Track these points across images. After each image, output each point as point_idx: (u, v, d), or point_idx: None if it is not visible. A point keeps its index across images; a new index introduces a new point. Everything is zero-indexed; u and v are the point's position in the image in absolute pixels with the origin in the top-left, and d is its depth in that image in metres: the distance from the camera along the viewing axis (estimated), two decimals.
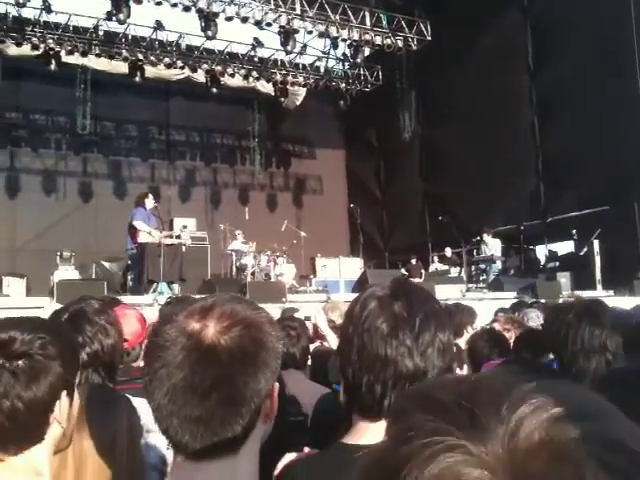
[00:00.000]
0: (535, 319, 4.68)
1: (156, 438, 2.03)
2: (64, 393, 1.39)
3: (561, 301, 7.31)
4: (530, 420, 0.46)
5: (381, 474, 0.47)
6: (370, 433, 1.27)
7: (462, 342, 3.90)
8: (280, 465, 1.44)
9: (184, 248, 10.90)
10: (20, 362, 1.31)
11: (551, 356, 3.08)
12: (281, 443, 1.46)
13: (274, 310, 5.71)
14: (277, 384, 1.10)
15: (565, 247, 14.18)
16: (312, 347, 4.29)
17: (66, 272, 12.43)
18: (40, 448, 1.37)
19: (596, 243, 12.52)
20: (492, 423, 0.46)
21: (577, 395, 0.51)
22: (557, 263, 13.57)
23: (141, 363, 2.59)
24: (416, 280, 13.50)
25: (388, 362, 1.25)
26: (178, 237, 11.19)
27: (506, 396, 0.48)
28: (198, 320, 1.03)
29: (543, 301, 7.42)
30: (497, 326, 4.21)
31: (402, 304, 1.29)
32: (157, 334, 1.05)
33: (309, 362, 3.99)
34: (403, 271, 14.60)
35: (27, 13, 15.44)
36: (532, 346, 3.19)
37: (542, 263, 14.25)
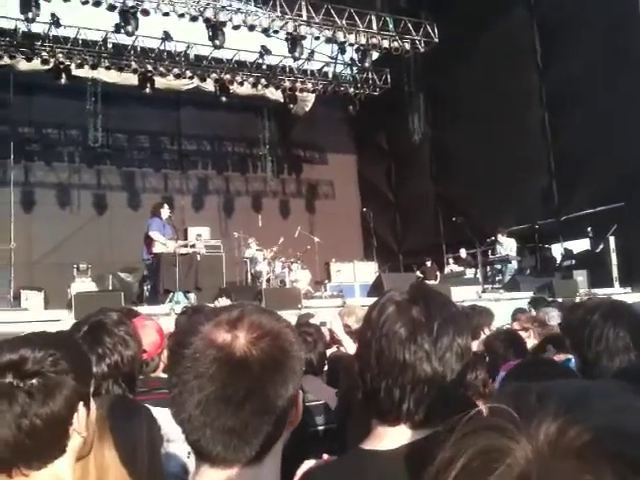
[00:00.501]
0: (556, 318, 4.64)
1: (176, 447, 2.05)
2: (80, 404, 1.40)
3: (579, 300, 7.27)
4: (577, 426, 0.50)
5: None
6: (389, 438, 1.27)
7: (478, 344, 3.88)
8: (299, 472, 1.44)
9: (199, 257, 10.96)
10: (34, 381, 1.31)
11: (569, 356, 3.07)
12: (300, 452, 1.47)
13: (291, 317, 5.72)
14: (301, 391, 1.12)
15: (581, 245, 14.08)
16: (328, 352, 4.31)
17: (83, 284, 12.50)
18: (62, 460, 1.38)
19: (612, 240, 12.43)
20: (548, 418, 0.52)
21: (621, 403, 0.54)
22: (573, 261, 13.48)
23: (160, 374, 2.62)
24: (431, 282, 13.47)
25: (406, 367, 1.25)
26: (193, 246, 11.25)
27: (571, 402, 0.53)
28: (228, 331, 1.04)
29: (560, 300, 7.37)
30: (516, 325, 4.17)
31: (420, 309, 1.29)
32: (184, 345, 1.05)
33: (325, 367, 4.00)
34: (418, 274, 14.57)
35: (36, 28, 15.58)
36: (555, 347, 3.18)
37: (558, 262, 14.16)
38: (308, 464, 1.45)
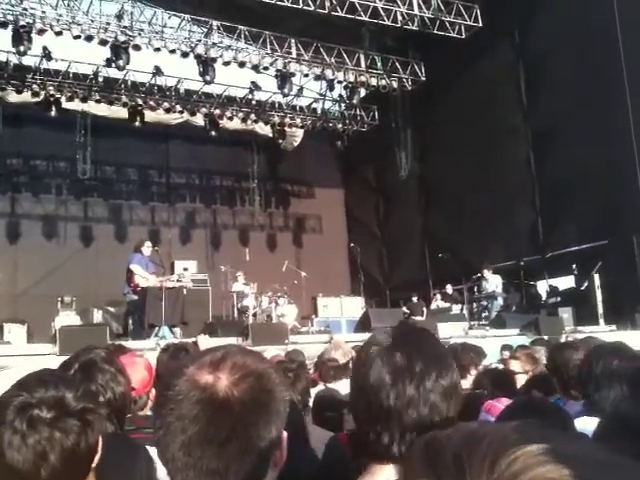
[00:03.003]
0: (543, 357, 4.59)
1: None
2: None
3: (564, 338, 7.30)
4: None
5: None
6: (384, 473, 1.28)
7: (467, 383, 3.86)
8: None
9: (185, 291, 10.91)
10: (75, 420, 1.36)
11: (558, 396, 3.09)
12: None
13: (278, 352, 5.68)
14: (285, 432, 1.11)
15: (566, 282, 14.18)
16: (316, 390, 4.28)
17: (67, 317, 12.39)
18: None
19: (596, 277, 12.52)
20: None
21: (569, 459, 0.50)
22: (558, 298, 13.55)
23: (147, 412, 2.60)
24: (418, 318, 13.47)
25: (392, 413, 1.26)
26: (179, 280, 11.20)
27: (497, 458, 0.50)
28: (210, 372, 1.05)
29: (546, 338, 7.39)
30: (516, 366, 4.07)
31: (402, 353, 1.30)
32: (167, 387, 1.06)
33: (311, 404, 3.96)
34: (405, 309, 14.57)
35: (28, 61, 15.69)
36: (543, 387, 3.19)
37: (543, 298, 14.23)
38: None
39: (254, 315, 13.17)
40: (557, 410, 2.27)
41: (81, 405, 1.38)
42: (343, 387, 4.12)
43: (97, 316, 13.42)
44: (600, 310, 12.32)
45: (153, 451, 1.86)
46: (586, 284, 12.86)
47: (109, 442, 1.65)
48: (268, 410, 1.05)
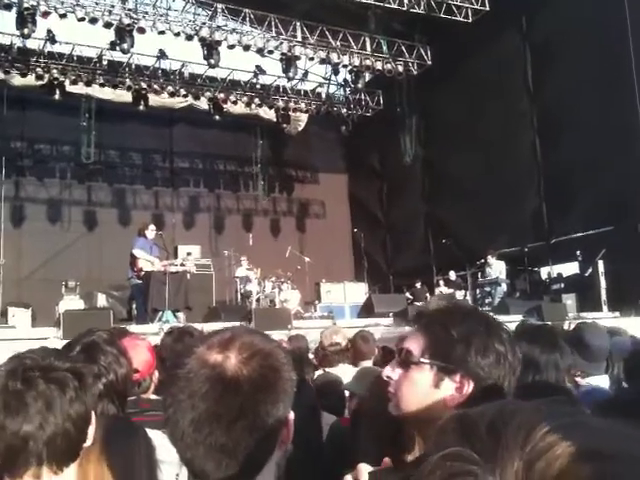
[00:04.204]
0: None
1: (165, 469, 2.03)
2: (93, 412, 1.45)
3: (567, 325, 7.29)
4: (546, 456, 0.48)
5: None
6: None
7: None
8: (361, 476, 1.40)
9: (189, 276, 10.93)
10: (68, 374, 1.41)
11: None
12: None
13: (281, 337, 5.69)
14: (292, 412, 1.13)
15: (570, 268, 14.14)
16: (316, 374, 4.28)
17: (71, 302, 12.43)
18: (72, 467, 1.41)
19: (601, 264, 12.49)
20: (512, 455, 0.49)
21: (603, 432, 0.52)
22: (562, 285, 13.54)
23: (151, 395, 2.59)
24: (421, 304, 13.46)
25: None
26: (183, 265, 11.21)
27: (531, 429, 0.51)
28: (219, 352, 1.07)
29: (549, 324, 7.37)
30: None
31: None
32: (178, 366, 1.08)
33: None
34: (408, 295, 14.57)
35: (32, 44, 15.62)
36: None
37: (547, 285, 14.21)
38: (366, 468, 1.39)
39: (257, 300, 13.20)
40: (564, 391, 2.26)
41: (69, 365, 1.42)
42: (342, 372, 4.12)
43: (101, 300, 13.45)
44: (604, 297, 12.32)
45: (153, 433, 1.86)
46: (590, 271, 12.83)
47: (108, 423, 1.65)
48: (276, 388, 1.08)
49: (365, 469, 1.31)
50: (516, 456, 0.49)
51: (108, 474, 1.54)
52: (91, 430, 1.45)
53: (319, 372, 4.38)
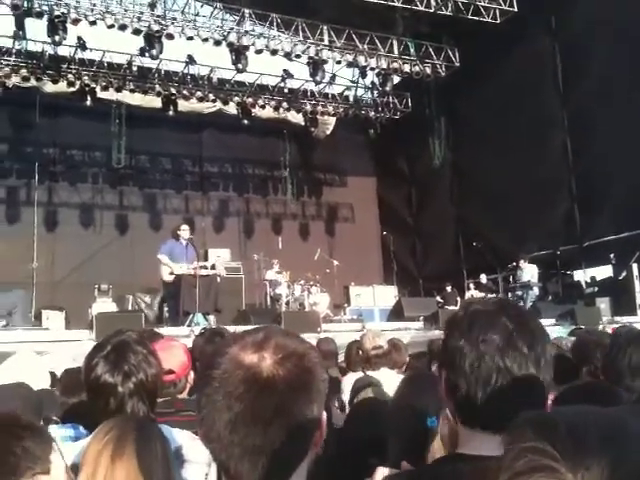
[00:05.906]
0: None
1: (195, 469, 2.03)
2: None
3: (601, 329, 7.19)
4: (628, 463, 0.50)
5: None
6: (487, 444, 1.25)
7: None
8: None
9: (219, 279, 10.98)
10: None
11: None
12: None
13: (310, 340, 5.69)
14: (325, 413, 1.13)
15: (603, 272, 13.91)
16: (353, 377, 4.23)
17: (104, 304, 12.57)
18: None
19: (635, 267, 12.28)
20: (593, 457, 0.50)
21: None
22: (596, 288, 13.33)
23: (185, 395, 2.61)
24: (452, 308, 13.37)
25: (505, 373, 1.27)
26: (213, 268, 11.27)
27: (613, 436, 0.52)
28: (254, 352, 1.07)
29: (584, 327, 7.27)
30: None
31: (510, 317, 1.32)
32: (212, 366, 1.08)
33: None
34: (438, 299, 14.47)
35: (63, 51, 15.90)
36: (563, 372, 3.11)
37: (580, 288, 14.00)
38: (382, 472, 1.41)
39: (287, 303, 13.22)
40: (614, 394, 2.21)
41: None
42: (384, 376, 4.06)
43: (133, 303, 13.57)
44: (638, 300, 12.10)
45: (182, 434, 1.86)
46: (624, 274, 12.62)
47: (125, 424, 1.66)
48: (310, 389, 1.08)
49: (382, 472, 1.31)
50: (597, 457, 0.50)
51: (119, 473, 1.54)
52: None
53: (356, 375, 4.32)
